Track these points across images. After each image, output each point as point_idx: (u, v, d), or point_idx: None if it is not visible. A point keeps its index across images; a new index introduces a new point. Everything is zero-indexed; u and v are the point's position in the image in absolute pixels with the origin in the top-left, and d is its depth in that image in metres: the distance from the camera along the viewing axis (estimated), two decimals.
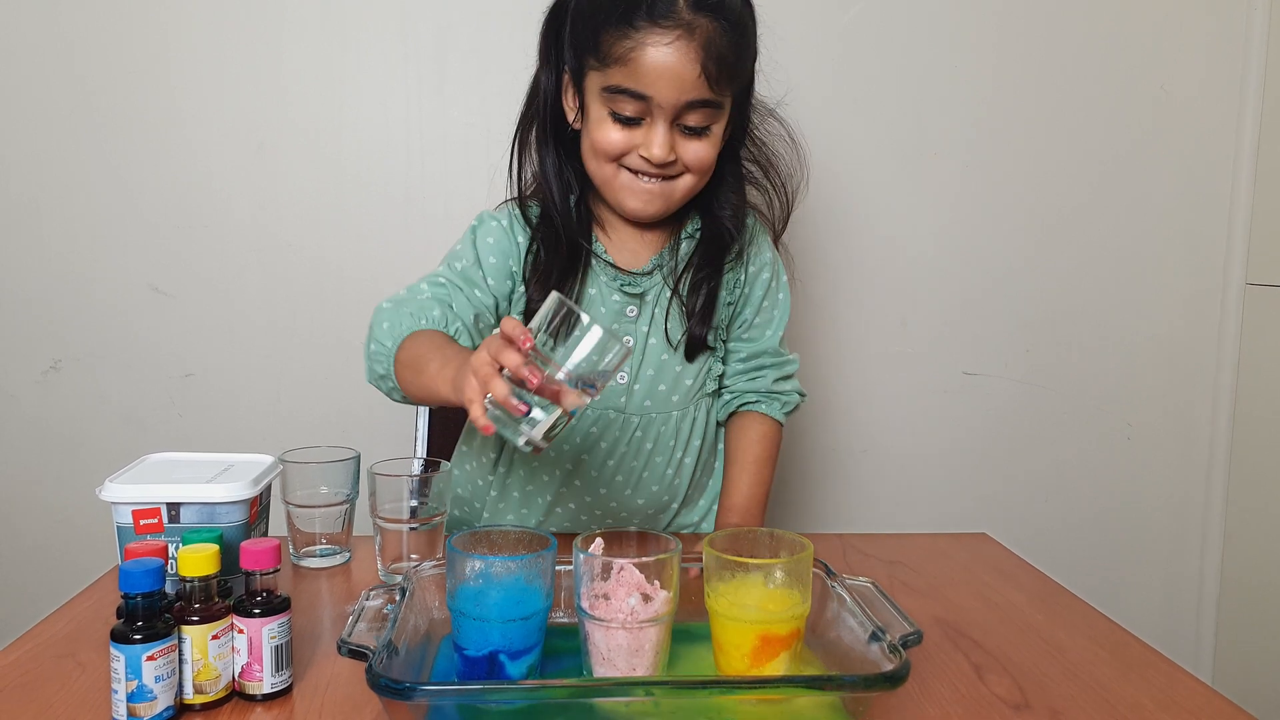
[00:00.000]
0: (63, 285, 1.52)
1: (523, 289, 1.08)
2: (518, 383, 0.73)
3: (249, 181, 1.51)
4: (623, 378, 1.09)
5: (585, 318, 0.74)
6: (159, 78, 1.48)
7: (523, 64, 1.25)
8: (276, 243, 1.53)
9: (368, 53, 1.50)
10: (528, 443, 0.75)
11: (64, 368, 1.54)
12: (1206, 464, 1.72)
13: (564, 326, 0.75)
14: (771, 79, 1.44)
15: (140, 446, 1.05)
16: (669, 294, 1.10)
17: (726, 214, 1.09)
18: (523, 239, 1.08)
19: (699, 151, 1.00)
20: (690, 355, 1.10)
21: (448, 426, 1.43)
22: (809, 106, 1.57)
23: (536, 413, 0.74)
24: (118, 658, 0.67)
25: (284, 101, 1.50)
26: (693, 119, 0.98)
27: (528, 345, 0.73)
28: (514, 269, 1.08)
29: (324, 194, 1.52)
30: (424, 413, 1.43)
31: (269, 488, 0.96)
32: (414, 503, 0.95)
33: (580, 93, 1.02)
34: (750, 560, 0.73)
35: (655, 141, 0.97)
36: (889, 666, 0.67)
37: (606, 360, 0.75)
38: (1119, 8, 1.60)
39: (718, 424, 1.20)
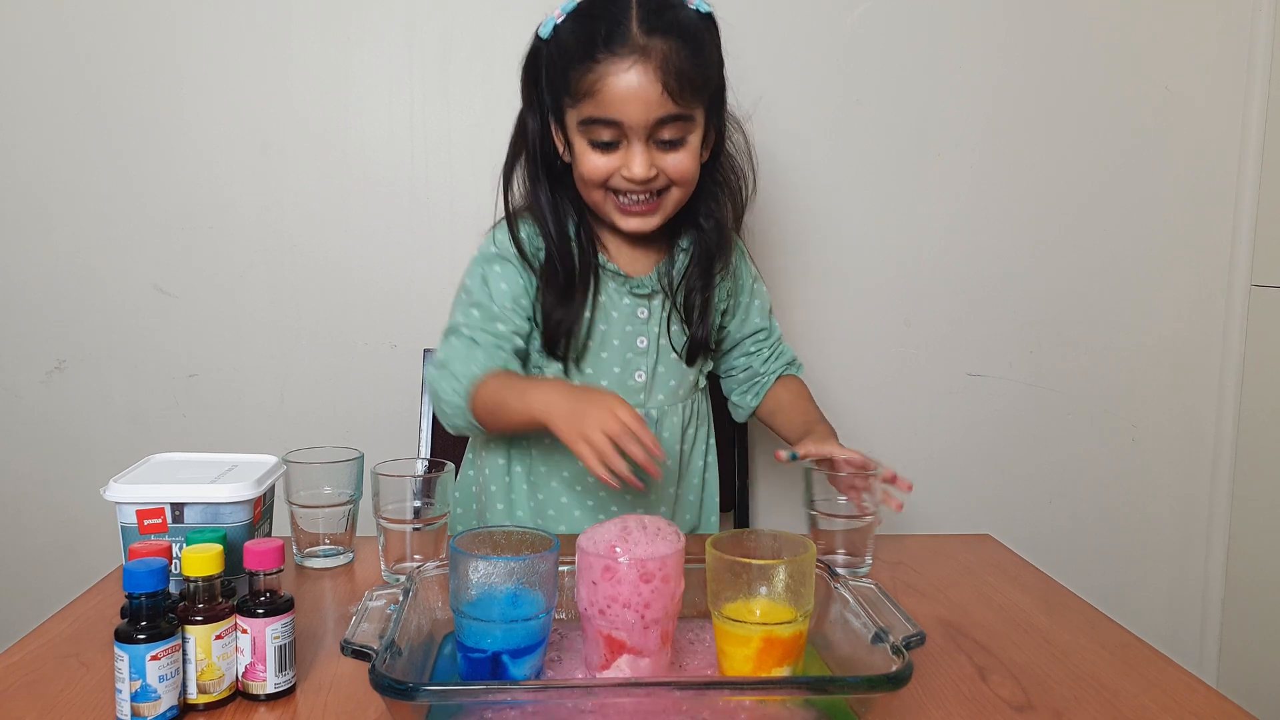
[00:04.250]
0: (67, 285, 1.52)
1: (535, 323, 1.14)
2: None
3: (254, 182, 1.51)
4: (640, 376, 1.16)
5: None
6: (165, 78, 1.48)
7: None
8: (281, 243, 1.53)
9: (373, 53, 1.50)
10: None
11: (68, 368, 1.54)
12: (1211, 465, 1.72)
13: None
14: (772, 80, 1.44)
15: (144, 447, 1.05)
16: (669, 305, 1.17)
17: (711, 226, 1.15)
18: (524, 270, 1.13)
19: (678, 163, 1.06)
20: (691, 359, 1.19)
21: None
22: (812, 105, 1.58)
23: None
24: (122, 657, 0.67)
25: (289, 102, 1.50)
26: (666, 133, 1.04)
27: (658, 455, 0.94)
28: (525, 304, 1.13)
29: (329, 194, 1.52)
30: (427, 414, 1.44)
31: (273, 488, 0.96)
32: (417, 503, 0.96)
33: (563, 129, 1.08)
34: (753, 562, 0.72)
35: (634, 162, 1.03)
36: (892, 668, 0.67)
37: None
38: (1123, 7, 1.60)
39: (745, 408, 1.30)
